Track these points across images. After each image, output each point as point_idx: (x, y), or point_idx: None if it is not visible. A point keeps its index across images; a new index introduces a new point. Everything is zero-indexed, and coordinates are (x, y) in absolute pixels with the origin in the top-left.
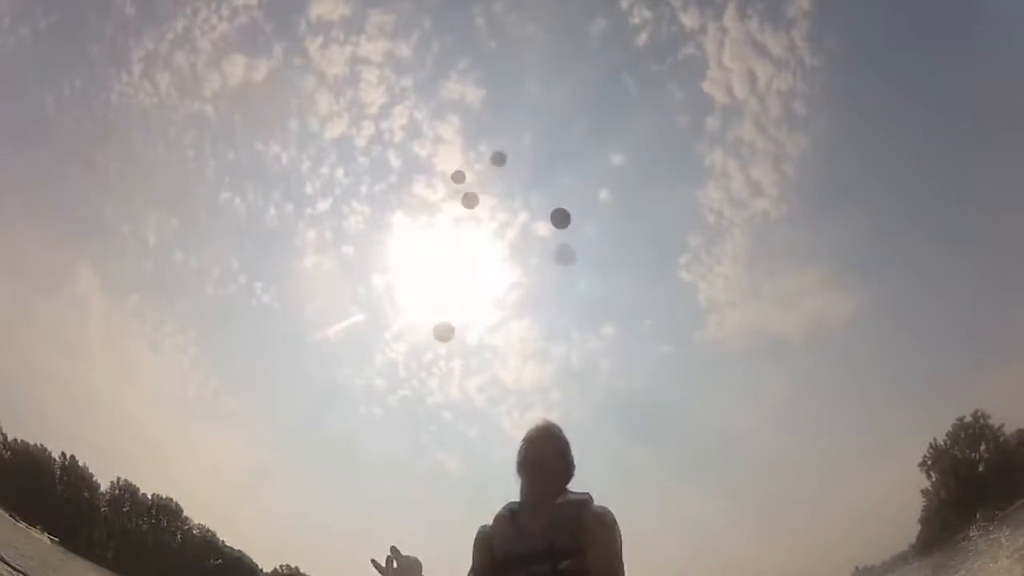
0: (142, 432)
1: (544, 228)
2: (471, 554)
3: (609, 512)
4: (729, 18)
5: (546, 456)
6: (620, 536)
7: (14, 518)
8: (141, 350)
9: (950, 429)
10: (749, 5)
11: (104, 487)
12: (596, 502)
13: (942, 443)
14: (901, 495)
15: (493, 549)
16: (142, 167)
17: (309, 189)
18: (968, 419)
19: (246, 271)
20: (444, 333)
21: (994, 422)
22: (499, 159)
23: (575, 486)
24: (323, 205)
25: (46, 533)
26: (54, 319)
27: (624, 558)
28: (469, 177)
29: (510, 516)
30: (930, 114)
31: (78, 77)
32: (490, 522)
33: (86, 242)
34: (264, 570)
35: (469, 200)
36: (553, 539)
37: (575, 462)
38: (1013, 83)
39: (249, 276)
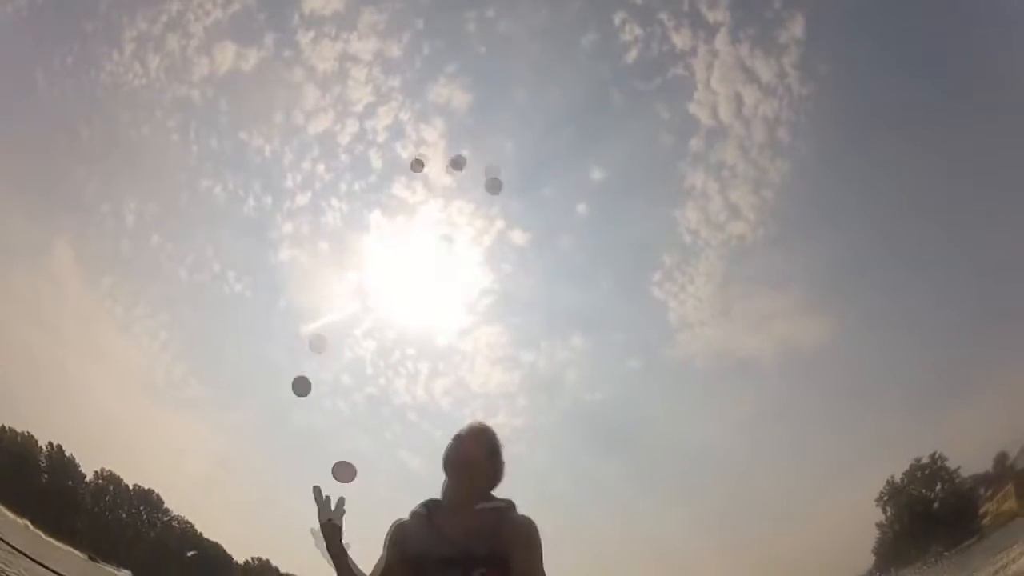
0: (108, 414)
1: (520, 236)
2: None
3: (532, 523)
4: (721, 41)
5: (475, 456)
6: (541, 548)
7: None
8: (111, 331)
9: (907, 468)
10: (741, 29)
11: (88, 476)
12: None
13: (899, 481)
14: (858, 522)
15: (405, 546)
16: (126, 147)
17: (289, 182)
18: (925, 460)
19: (221, 259)
20: (318, 344)
21: (951, 464)
22: (458, 163)
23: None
24: (302, 199)
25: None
26: (26, 292)
27: (551, 571)
28: (448, 183)
29: (426, 514)
30: (914, 149)
31: (70, 53)
32: (407, 517)
33: (64, 217)
34: (236, 560)
35: (417, 165)
36: (469, 545)
37: (504, 467)
38: (995, 116)
39: (223, 264)
